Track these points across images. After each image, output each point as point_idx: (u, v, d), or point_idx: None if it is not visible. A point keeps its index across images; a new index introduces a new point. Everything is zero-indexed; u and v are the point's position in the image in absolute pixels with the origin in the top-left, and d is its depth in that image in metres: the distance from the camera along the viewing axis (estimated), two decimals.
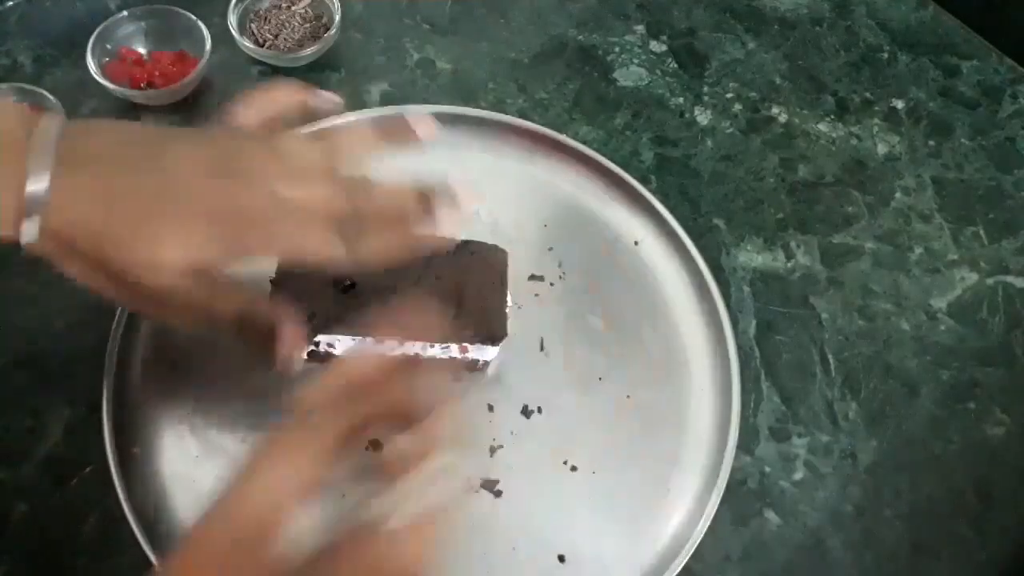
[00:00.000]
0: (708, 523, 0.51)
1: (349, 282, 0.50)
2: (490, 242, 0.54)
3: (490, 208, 0.61)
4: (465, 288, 0.52)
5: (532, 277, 0.59)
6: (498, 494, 0.52)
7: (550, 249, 0.61)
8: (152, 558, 0.48)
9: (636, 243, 0.61)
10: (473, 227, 0.60)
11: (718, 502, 0.52)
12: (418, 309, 0.50)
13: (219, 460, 0.52)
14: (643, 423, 0.55)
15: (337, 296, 0.50)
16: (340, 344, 0.52)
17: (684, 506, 0.53)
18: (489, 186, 0.63)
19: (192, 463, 0.52)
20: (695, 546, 0.51)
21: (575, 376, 0.56)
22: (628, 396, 0.56)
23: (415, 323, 0.50)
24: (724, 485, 0.53)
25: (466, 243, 0.54)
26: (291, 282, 0.50)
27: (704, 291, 0.59)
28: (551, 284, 0.59)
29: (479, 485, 0.52)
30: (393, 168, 0.63)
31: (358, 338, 0.52)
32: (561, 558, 0.51)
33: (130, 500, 0.49)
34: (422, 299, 0.51)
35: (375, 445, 0.53)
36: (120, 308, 0.54)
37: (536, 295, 0.59)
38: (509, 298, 0.53)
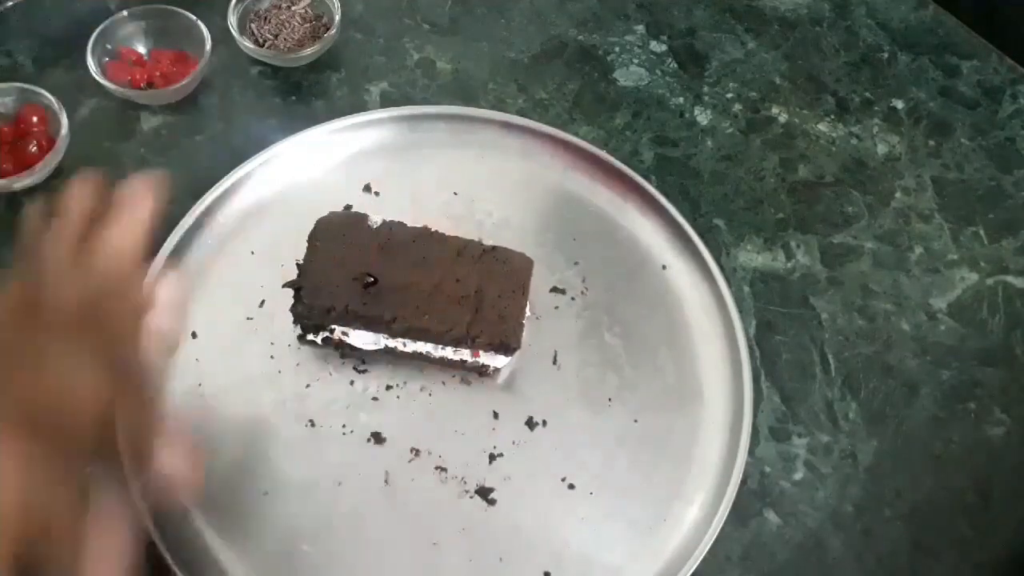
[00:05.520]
0: (703, 556, 0.51)
1: (371, 278, 0.51)
2: (517, 249, 0.54)
3: (522, 216, 0.62)
4: (485, 293, 0.52)
5: (554, 289, 0.59)
6: (492, 502, 0.52)
7: (576, 263, 0.60)
8: (148, 526, 0.48)
9: (664, 267, 0.61)
10: (501, 232, 0.60)
11: (715, 535, 0.51)
12: (435, 310, 0.51)
13: (220, 432, 0.52)
14: (648, 450, 0.55)
15: (358, 291, 0.51)
16: (354, 334, 0.53)
17: (679, 536, 0.52)
18: (523, 194, 0.63)
19: (198, 434, 0.52)
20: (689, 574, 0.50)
21: (585, 394, 0.56)
22: (636, 420, 0.55)
23: (429, 324, 0.50)
24: (723, 520, 0.52)
25: (493, 248, 0.54)
26: (312, 276, 0.51)
27: (728, 325, 0.58)
28: (572, 298, 0.59)
29: (473, 490, 0.52)
30: (411, 177, 0.64)
31: (371, 333, 0.53)
32: (547, 575, 0.51)
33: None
34: (440, 300, 0.51)
35: (376, 438, 0.54)
36: (148, 272, 0.54)
37: (556, 307, 0.59)
38: (528, 308, 0.53)
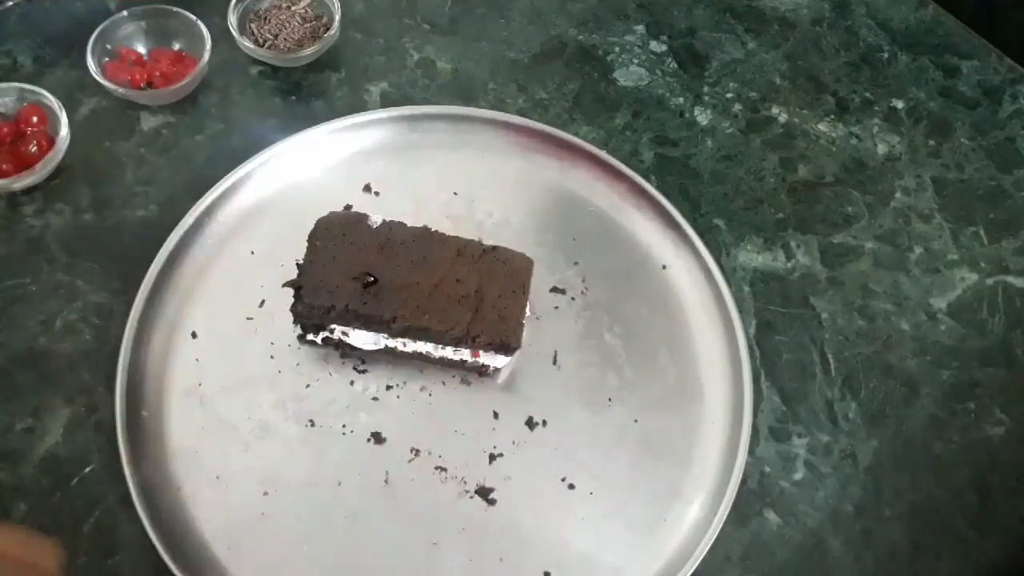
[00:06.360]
0: (703, 556, 0.51)
1: (371, 278, 0.51)
2: (517, 249, 0.54)
3: (522, 216, 0.62)
4: (485, 293, 0.52)
5: (554, 289, 0.59)
6: (492, 502, 0.52)
7: (576, 263, 0.60)
8: (148, 527, 0.48)
9: (664, 267, 0.61)
10: (501, 232, 0.60)
11: (715, 535, 0.51)
12: (435, 310, 0.51)
13: (224, 435, 0.53)
14: (648, 450, 0.55)
15: (358, 291, 0.51)
16: (354, 334, 0.53)
17: (679, 536, 0.52)
18: (523, 194, 0.63)
19: (198, 434, 0.53)
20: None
21: (585, 394, 0.56)
22: (636, 420, 0.55)
23: (429, 324, 0.50)
24: (723, 520, 0.52)
25: (493, 248, 0.54)
26: (312, 276, 0.51)
27: (728, 325, 0.58)
28: (572, 298, 0.59)
29: (473, 490, 0.53)
30: (426, 175, 0.64)
31: (371, 332, 0.53)
32: (547, 575, 0.51)
33: (132, 463, 0.50)
34: (440, 300, 0.51)
35: (376, 438, 0.54)
36: (148, 272, 0.55)
37: (556, 307, 0.59)
38: (528, 308, 0.53)
